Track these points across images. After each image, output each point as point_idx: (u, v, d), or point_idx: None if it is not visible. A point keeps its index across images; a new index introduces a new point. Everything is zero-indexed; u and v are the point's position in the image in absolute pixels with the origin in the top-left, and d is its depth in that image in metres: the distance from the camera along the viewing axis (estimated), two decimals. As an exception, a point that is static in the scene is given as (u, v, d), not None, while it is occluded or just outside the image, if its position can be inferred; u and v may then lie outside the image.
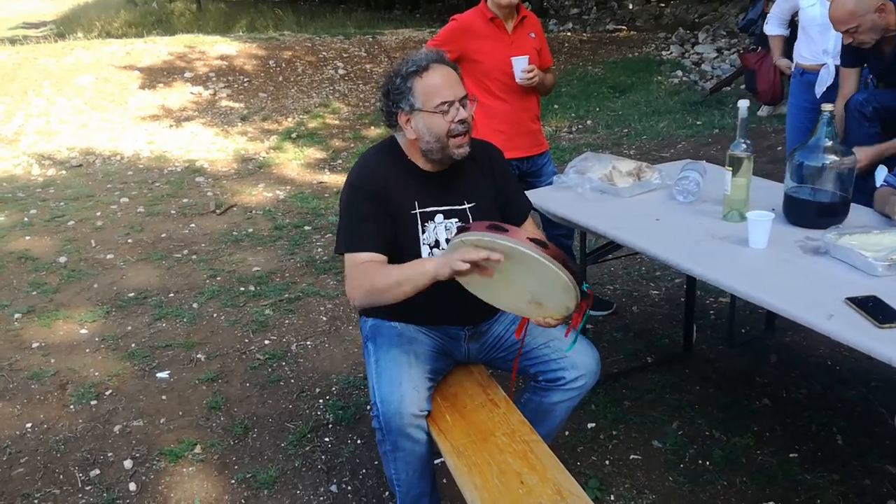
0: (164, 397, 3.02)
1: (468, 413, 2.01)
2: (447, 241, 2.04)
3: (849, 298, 1.70)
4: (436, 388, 2.07)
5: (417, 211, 2.04)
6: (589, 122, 7.61)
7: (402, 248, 2.02)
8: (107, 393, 3.05)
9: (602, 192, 2.66)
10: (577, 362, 2.05)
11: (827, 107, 2.13)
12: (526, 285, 1.74)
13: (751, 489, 2.29)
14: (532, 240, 1.64)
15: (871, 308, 1.64)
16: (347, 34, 11.36)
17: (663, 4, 15.26)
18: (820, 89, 3.38)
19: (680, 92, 8.53)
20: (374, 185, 2.00)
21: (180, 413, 2.91)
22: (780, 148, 5.72)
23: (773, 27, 4.07)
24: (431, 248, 2.05)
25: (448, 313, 2.11)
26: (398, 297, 1.88)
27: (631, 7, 15.33)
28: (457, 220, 2.07)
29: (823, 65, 3.35)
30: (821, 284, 1.82)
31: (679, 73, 9.52)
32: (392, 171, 2.04)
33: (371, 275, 1.92)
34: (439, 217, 2.06)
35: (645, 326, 3.37)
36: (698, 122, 7.03)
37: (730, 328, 3.15)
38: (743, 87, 7.99)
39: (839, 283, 1.81)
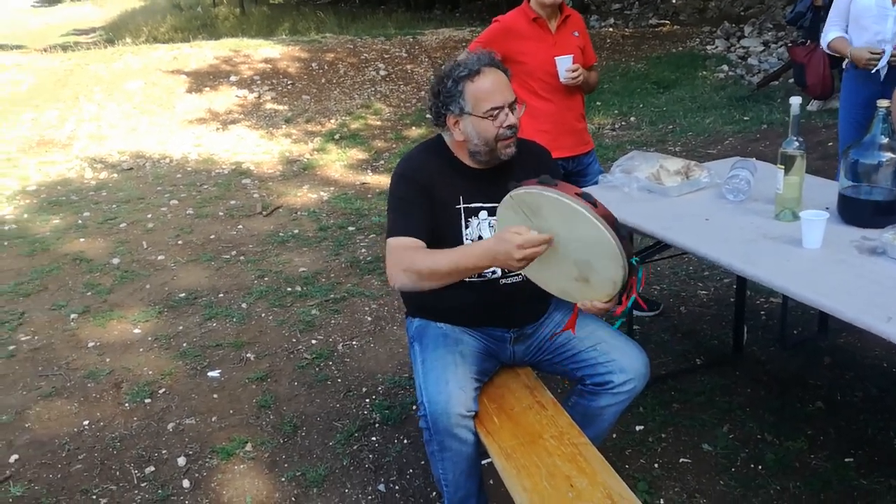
0: (215, 396, 3.09)
1: (515, 415, 2.01)
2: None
3: (909, 300, 1.65)
4: (482, 389, 2.08)
5: (462, 206, 2.05)
6: (633, 118, 7.53)
7: (445, 241, 2.01)
8: (160, 391, 3.13)
9: (649, 191, 2.63)
10: (626, 365, 2.03)
11: (883, 103, 2.07)
12: (573, 254, 1.65)
13: (804, 494, 2.24)
14: (580, 195, 1.59)
15: (934, 310, 1.59)
16: (388, 35, 11.43)
17: (708, -2, 15.00)
18: (881, 69, 3.28)
19: (726, 87, 8.38)
20: (419, 176, 2.02)
21: (231, 411, 2.97)
22: (830, 144, 5.58)
23: (833, 31, 3.54)
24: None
25: (494, 315, 2.12)
26: (443, 283, 1.88)
27: (674, 1, 15.09)
28: (502, 217, 2.07)
29: (881, 52, 3.25)
30: (878, 286, 1.77)
31: (725, 67, 9.35)
32: (437, 166, 2.06)
33: (414, 256, 1.92)
34: (483, 213, 2.07)
35: (693, 327, 3.32)
36: (745, 118, 6.89)
37: (782, 329, 3.09)
38: (791, 80, 7.82)
39: (897, 284, 1.76)
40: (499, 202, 2.06)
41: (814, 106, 6.56)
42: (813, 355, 3.00)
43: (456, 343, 2.06)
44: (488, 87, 1.96)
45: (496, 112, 1.96)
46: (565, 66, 2.90)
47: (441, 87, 2.00)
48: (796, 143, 2.18)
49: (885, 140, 2.06)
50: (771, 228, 2.22)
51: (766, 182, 2.52)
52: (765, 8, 12.81)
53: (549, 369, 2.22)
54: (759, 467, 2.38)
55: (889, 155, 2.06)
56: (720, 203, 2.49)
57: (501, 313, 2.11)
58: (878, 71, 3.29)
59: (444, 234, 2.03)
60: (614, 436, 2.58)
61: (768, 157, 4.29)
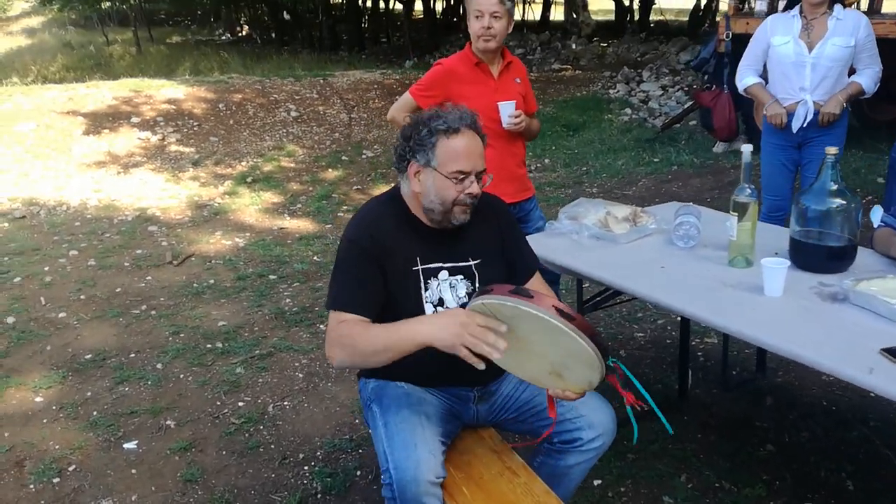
0: (133, 471, 2.79)
1: (486, 484, 1.88)
2: (465, 302, 1.93)
3: (884, 350, 1.65)
4: (447, 456, 1.94)
5: (420, 267, 1.93)
6: (547, 160, 7.65)
7: (403, 307, 1.90)
8: (70, 468, 2.80)
9: (598, 238, 2.59)
10: (594, 421, 1.95)
11: (831, 150, 2.11)
12: (549, 355, 1.64)
13: (772, 545, 2.21)
14: (558, 309, 1.54)
15: (911, 359, 1.59)
16: (297, 76, 11.24)
17: (605, 44, 15.68)
18: (797, 125, 3.41)
19: (631, 129, 8.68)
20: (372, 242, 1.89)
21: (153, 488, 2.68)
22: (740, 184, 5.82)
23: (748, 76, 3.62)
24: (435, 306, 1.94)
25: (458, 373, 1.97)
26: (382, 363, 1.78)
27: (574, 47, 15.67)
28: (462, 276, 1.97)
29: (800, 101, 3.38)
30: (849, 333, 1.77)
31: (628, 110, 9.71)
32: (394, 225, 1.93)
33: (355, 335, 1.79)
34: (443, 274, 1.95)
35: (635, 371, 3.24)
36: (655, 160, 7.13)
37: (723, 371, 3.10)
38: (693, 123, 8.20)
39: (868, 332, 1.76)
40: (458, 262, 1.97)
41: (720, 148, 6.86)
42: (755, 396, 3.02)
43: (419, 403, 1.92)
44: (461, 149, 1.86)
45: (462, 177, 1.86)
46: (508, 111, 2.85)
47: (413, 133, 1.89)
48: (748, 191, 2.20)
49: (834, 187, 2.10)
50: (727, 276, 2.21)
51: (709, 227, 2.54)
52: (660, 54, 13.49)
53: (513, 428, 2.11)
54: (722, 518, 2.34)
55: (839, 201, 2.10)
56: (670, 249, 2.48)
57: (463, 371, 1.97)
58: (799, 119, 3.41)
59: (401, 299, 1.90)
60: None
61: (683, 198, 4.41)
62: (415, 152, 1.88)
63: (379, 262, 1.87)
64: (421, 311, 1.91)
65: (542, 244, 2.61)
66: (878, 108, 6.34)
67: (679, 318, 3.72)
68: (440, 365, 1.91)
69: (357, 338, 1.78)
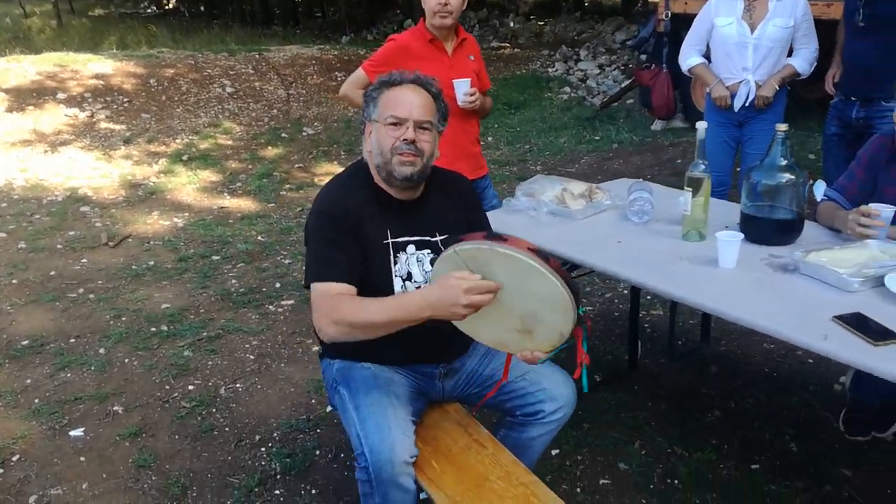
0: (82, 458, 2.70)
1: (455, 457, 1.89)
2: (426, 277, 1.92)
3: (836, 317, 1.72)
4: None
5: (389, 241, 1.92)
6: (490, 139, 7.67)
7: (373, 280, 1.89)
8: (14, 459, 2.69)
9: (555, 214, 2.62)
10: (556, 394, 1.99)
11: (781, 127, 2.18)
12: (520, 306, 1.60)
13: (723, 506, 2.30)
14: (533, 250, 1.52)
15: (861, 326, 1.67)
16: (231, 51, 10.93)
17: (542, 23, 15.77)
18: (739, 104, 3.51)
19: (571, 108, 8.78)
20: (343, 213, 1.87)
21: (104, 475, 2.61)
22: (679, 161, 5.98)
23: (692, 56, 3.66)
24: (404, 280, 1.93)
25: (422, 351, 1.99)
26: (378, 335, 1.75)
27: (512, 25, 15.72)
28: (429, 250, 1.97)
29: (742, 81, 3.48)
30: (802, 303, 1.84)
31: (567, 89, 9.82)
32: (362, 198, 1.91)
33: (346, 308, 1.77)
34: (411, 248, 1.95)
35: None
36: (596, 138, 7.24)
37: (670, 342, 3.20)
38: (630, 101, 8.36)
39: (819, 300, 1.84)
40: (425, 236, 1.96)
41: (658, 126, 7.01)
42: (700, 365, 3.13)
43: (388, 384, 1.92)
44: (399, 97, 1.88)
45: (395, 121, 1.86)
46: (463, 89, 2.84)
47: (368, 93, 1.93)
48: (702, 167, 2.25)
49: (783, 162, 2.18)
50: (681, 249, 2.27)
51: (661, 203, 2.60)
52: (596, 33, 13.66)
53: (477, 402, 2.12)
54: (676, 482, 2.42)
55: (787, 176, 2.18)
56: (625, 225, 2.53)
57: (431, 348, 1.99)
58: (741, 99, 3.52)
59: (371, 272, 1.88)
60: (532, 464, 2.53)
61: (625, 175, 4.50)
62: (366, 110, 1.92)
63: (352, 231, 1.85)
64: (390, 285, 1.90)
65: (500, 221, 2.62)
66: (808, 87, 6.56)
67: (626, 292, 3.82)
68: (407, 344, 1.90)
69: (352, 313, 1.74)
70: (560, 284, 1.52)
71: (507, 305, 1.61)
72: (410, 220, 1.94)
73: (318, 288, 1.83)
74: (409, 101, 1.88)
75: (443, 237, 1.98)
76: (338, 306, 1.77)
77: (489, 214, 2.76)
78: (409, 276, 1.94)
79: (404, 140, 1.85)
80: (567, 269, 2.72)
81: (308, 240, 1.91)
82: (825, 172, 3.31)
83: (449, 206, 2.02)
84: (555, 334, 1.63)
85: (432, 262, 1.95)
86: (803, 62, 3.48)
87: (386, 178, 1.91)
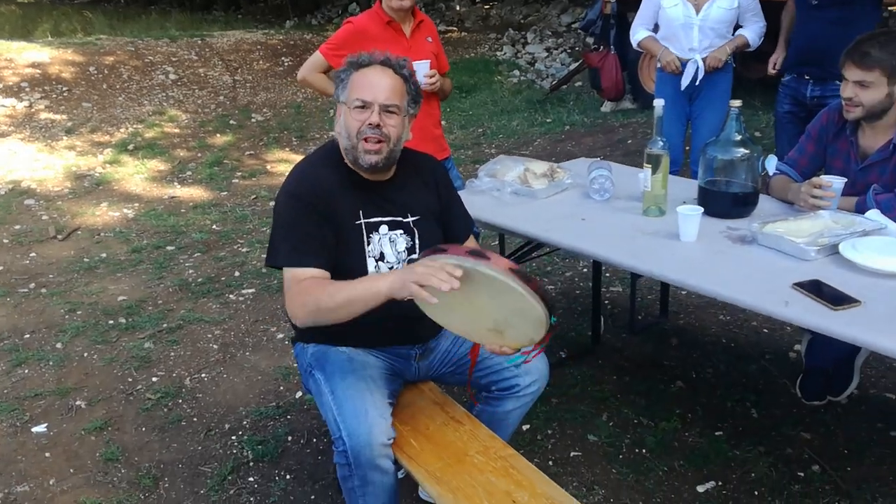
0: (47, 454, 2.64)
1: (433, 434, 1.92)
2: (406, 260, 1.94)
3: (796, 284, 1.81)
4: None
5: (362, 221, 1.92)
6: (444, 123, 7.63)
7: (347, 262, 1.90)
8: (-26, 459, 2.62)
9: (518, 194, 2.66)
10: (531, 368, 2.02)
11: (735, 103, 2.26)
12: (494, 313, 1.66)
13: (690, 471, 2.39)
14: (514, 271, 1.57)
15: (820, 292, 1.75)
16: (173, 37, 10.63)
17: (488, 6, 15.77)
18: (685, 82, 3.61)
19: (521, 91, 8.84)
20: (315, 194, 1.86)
21: (71, 470, 2.56)
22: (630, 141, 6.10)
23: (640, 31, 3.81)
24: (377, 260, 1.94)
25: (399, 333, 2.01)
26: (346, 318, 1.75)
27: (458, 9, 15.68)
28: (402, 231, 1.98)
29: (690, 60, 3.58)
30: (762, 272, 1.92)
31: (516, 72, 9.87)
32: (335, 178, 1.91)
33: (317, 293, 1.77)
34: (384, 228, 1.96)
35: (550, 322, 3.43)
36: (548, 120, 7.31)
37: (631, 317, 3.28)
38: (579, 84, 8.46)
39: (778, 269, 1.92)
40: (398, 216, 1.97)
41: (607, 107, 7.12)
42: (661, 338, 3.22)
43: (363, 367, 1.93)
44: (365, 80, 1.88)
45: (361, 104, 1.85)
46: (423, 71, 2.85)
47: (337, 73, 1.93)
48: (661, 143, 2.32)
49: (738, 137, 2.25)
50: (642, 224, 2.34)
51: (620, 181, 2.66)
52: (542, 16, 13.73)
53: (451, 381, 2.16)
54: (644, 451, 2.51)
55: (742, 150, 2.26)
56: (587, 203, 2.59)
57: (407, 329, 2.01)
58: (688, 77, 3.61)
59: (344, 254, 1.89)
60: (503, 439, 2.58)
61: (577, 156, 4.57)
62: (337, 93, 1.92)
63: (324, 214, 1.85)
64: (363, 266, 1.91)
65: (465, 202, 2.64)
66: (749, 67, 6.76)
67: (586, 271, 3.90)
68: (382, 326, 1.92)
69: (319, 296, 1.74)
70: (538, 304, 1.57)
71: (482, 310, 1.66)
72: (382, 201, 1.95)
73: (290, 274, 1.84)
74: (376, 84, 1.87)
75: (414, 218, 1.99)
76: (308, 291, 1.78)
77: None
78: (382, 257, 1.94)
79: (369, 124, 1.85)
80: (531, 248, 2.78)
81: (277, 220, 1.90)
82: (778, 150, 3.42)
83: (421, 187, 2.04)
84: (525, 339, 1.70)
85: (406, 245, 1.97)
86: (753, 35, 3.62)
87: (353, 161, 1.91)
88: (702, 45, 3.57)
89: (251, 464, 2.57)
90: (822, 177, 2.24)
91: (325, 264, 1.85)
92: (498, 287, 1.56)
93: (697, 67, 3.56)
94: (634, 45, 3.87)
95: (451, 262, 1.57)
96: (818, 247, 1.95)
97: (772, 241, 2.04)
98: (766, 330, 3.20)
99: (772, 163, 2.55)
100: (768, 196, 2.49)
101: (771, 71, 3.69)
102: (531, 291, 1.56)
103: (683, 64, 3.62)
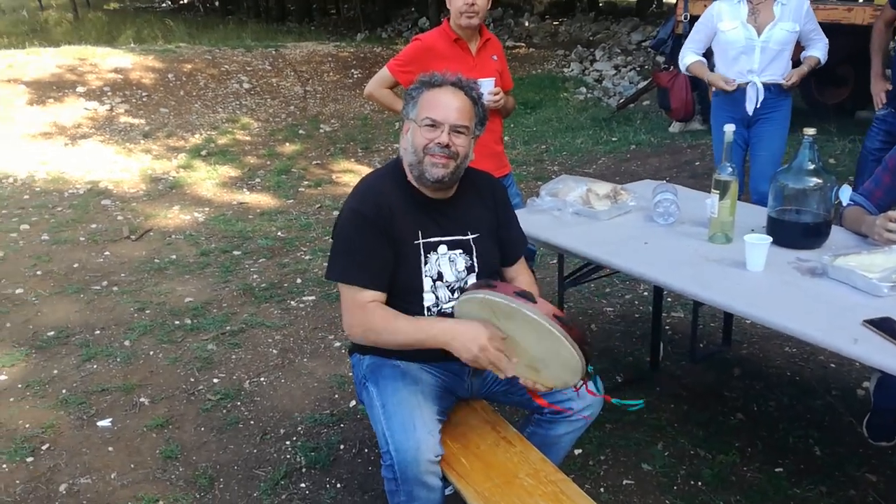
0: (110, 448, 2.74)
1: (483, 454, 1.92)
2: (461, 288, 1.96)
3: (866, 321, 1.74)
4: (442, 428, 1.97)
5: (421, 241, 1.94)
6: (507, 138, 7.66)
7: (403, 279, 1.92)
8: (44, 447, 2.73)
9: (580, 214, 2.64)
10: (584, 393, 2.00)
11: (809, 131, 2.20)
12: (532, 352, 1.72)
13: (746, 507, 2.32)
14: (557, 317, 1.62)
15: (892, 330, 1.68)
16: (248, 47, 10.99)
17: (557, 23, 15.76)
18: (751, 107, 3.57)
19: (587, 108, 8.78)
20: (378, 213, 1.89)
21: (132, 465, 2.65)
22: (697, 163, 5.98)
23: (689, 55, 3.75)
24: (434, 280, 1.96)
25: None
26: (398, 347, 1.90)
27: (527, 24, 15.71)
28: (461, 251, 1.99)
29: (749, 83, 3.53)
30: (831, 306, 1.85)
31: (583, 89, 9.82)
32: (396, 197, 1.94)
33: (378, 321, 1.86)
34: (443, 248, 1.97)
35: (607, 345, 3.39)
36: (613, 139, 7.24)
37: (692, 344, 3.21)
38: (646, 103, 8.35)
39: (848, 304, 1.85)
40: (457, 235, 1.99)
41: (675, 128, 7.00)
42: (723, 367, 3.14)
43: (416, 382, 1.94)
44: (437, 100, 1.90)
45: (431, 123, 1.88)
46: (488, 88, 2.86)
47: (408, 91, 1.97)
48: (730, 169, 2.26)
49: (811, 166, 2.19)
50: (707, 251, 2.29)
51: (685, 205, 2.61)
52: (611, 33, 13.64)
53: (505, 400, 2.15)
54: (699, 483, 2.44)
55: (815, 180, 2.19)
56: (651, 226, 2.55)
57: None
58: (751, 102, 3.55)
59: (401, 272, 1.92)
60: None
61: (642, 177, 4.51)
62: (405, 108, 1.95)
63: (385, 233, 1.88)
64: (420, 284, 1.93)
65: (524, 220, 2.62)
66: (825, 92, 6.58)
67: (646, 294, 3.83)
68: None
69: (382, 329, 1.85)
70: (576, 353, 1.63)
71: (522, 346, 1.73)
72: (442, 220, 1.97)
73: (348, 292, 1.89)
74: (447, 105, 1.90)
75: (474, 235, 2.00)
76: (370, 317, 1.86)
77: (518, 213, 2.80)
78: (440, 276, 1.96)
79: (438, 143, 1.88)
80: (591, 270, 2.75)
81: (340, 234, 1.94)
82: (858, 181, 3.30)
83: (480, 205, 2.05)
84: (559, 382, 1.78)
85: (466, 264, 1.98)
86: (822, 53, 3.59)
87: (418, 177, 1.93)
88: (762, 66, 3.52)
89: (303, 470, 2.61)
90: None
91: (384, 286, 1.90)
92: (539, 330, 1.62)
93: (757, 90, 3.50)
94: (682, 69, 3.83)
95: (498, 300, 1.65)
96: (892, 283, 1.87)
97: (843, 274, 1.97)
98: (833, 364, 3.08)
99: (846, 193, 2.45)
100: (841, 227, 2.40)
101: (878, 107, 3.56)
102: (571, 341, 1.61)
103: (742, 89, 3.56)
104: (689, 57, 3.77)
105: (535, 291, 1.89)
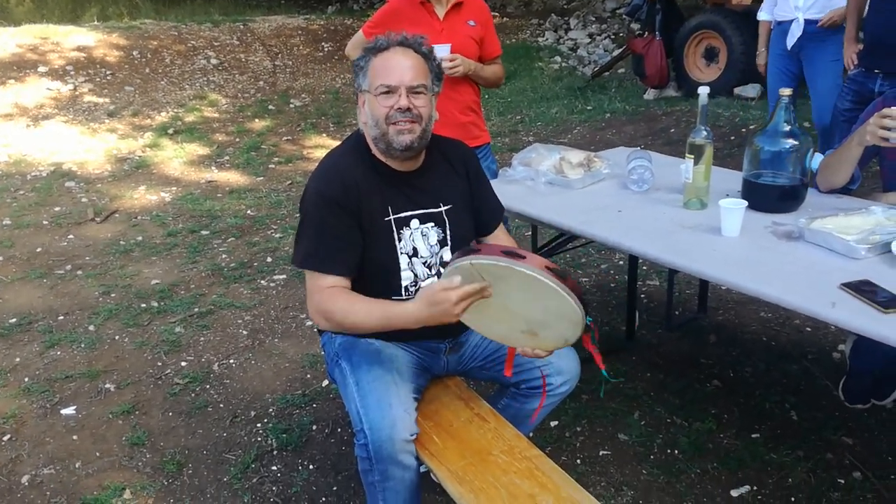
0: (74, 437, 2.66)
1: (457, 431, 1.86)
2: (439, 254, 1.89)
3: (844, 284, 1.69)
4: (415, 407, 1.91)
5: (391, 217, 1.86)
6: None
7: (377, 258, 1.85)
8: (5, 438, 2.64)
9: (553, 184, 2.58)
10: (563, 367, 1.95)
11: (785, 92, 2.14)
12: (528, 314, 1.60)
13: (724, 474, 2.29)
14: (550, 269, 1.50)
15: (870, 293, 1.64)
16: (215, 21, 10.71)
17: (531, -9, 15.54)
18: (791, 41, 3.94)
19: (562, 77, 8.68)
20: (345, 193, 1.80)
21: (97, 454, 2.57)
22: (673, 130, 5.93)
23: (764, 12, 4.30)
24: (410, 257, 1.88)
25: (430, 327, 1.94)
26: (367, 333, 1.83)
27: (500, -7, 15.47)
28: (433, 223, 1.91)
29: (793, 20, 3.90)
30: (808, 270, 1.81)
31: (558, 58, 9.70)
32: (361, 173, 1.85)
33: (337, 308, 1.77)
34: (415, 222, 1.89)
35: (583, 316, 3.33)
36: (588, 108, 7.16)
37: (668, 312, 3.18)
38: (621, 71, 8.27)
39: (825, 268, 1.81)
40: (429, 208, 1.91)
41: (650, 95, 6.93)
42: (698, 335, 3.11)
43: (391, 360, 1.88)
44: (387, 64, 1.81)
45: (386, 90, 1.79)
46: (441, 54, 2.75)
47: (356, 61, 1.86)
48: (704, 133, 2.21)
49: (787, 128, 2.13)
50: (683, 217, 2.23)
51: (660, 171, 2.56)
52: (585, 2, 13.48)
53: (480, 376, 2.10)
54: (676, 452, 2.41)
55: (791, 142, 2.13)
56: (625, 194, 2.49)
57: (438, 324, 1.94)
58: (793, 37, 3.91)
59: (375, 251, 1.84)
60: (531, 435, 2.51)
61: (617, 145, 4.45)
62: (357, 81, 1.86)
63: (353, 214, 1.80)
64: (395, 262, 1.85)
65: (497, 191, 2.54)
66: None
67: (622, 263, 3.79)
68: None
69: (343, 313, 1.76)
70: (575, 304, 1.52)
71: (515, 311, 1.60)
72: (412, 193, 1.89)
73: (312, 278, 1.82)
74: (399, 66, 1.80)
75: (446, 207, 1.93)
76: (330, 303, 1.78)
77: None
78: (415, 252, 1.89)
79: (398, 108, 1.79)
80: (565, 240, 2.69)
81: (304, 217, 1.85)
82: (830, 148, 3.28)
83: (451, 175, 1.97)
84: (560, 340, 1.65)
85: (438, 237, 1.90)
86: None
87: (385, 149, 1.84)
88: (806, 4, 3.85)
89: (275, 452, 2.55)
90: (893, 108, 2.03)
91: (348, 271, 1.82)
92: (533, 286, 1.50)
93: (799, 26, 3.86)
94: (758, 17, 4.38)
95: (486, 263, 1.51)
96: (869, 245, 1.83)
97: (819, 237, 1.92)
98: (808, 329, 3.07)
99: (817, 161, 2.41)
100: (816, 190, 2.35)
101: (849, 67, 3.52)
102: (568, 290, 1.50)
103: (787, 23, 3.96)
104: (763, 13, 4.32)
105: None
